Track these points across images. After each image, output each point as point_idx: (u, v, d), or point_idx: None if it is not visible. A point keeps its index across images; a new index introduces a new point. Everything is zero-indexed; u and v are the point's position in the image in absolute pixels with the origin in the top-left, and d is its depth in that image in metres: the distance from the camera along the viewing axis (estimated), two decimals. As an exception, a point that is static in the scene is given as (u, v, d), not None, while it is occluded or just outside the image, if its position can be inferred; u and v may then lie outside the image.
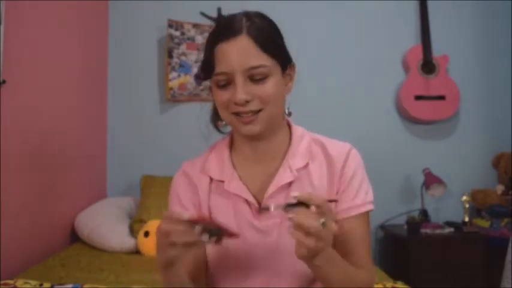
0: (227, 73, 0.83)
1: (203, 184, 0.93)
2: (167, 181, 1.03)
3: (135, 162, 2.70)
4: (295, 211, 0.70)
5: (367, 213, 0.90)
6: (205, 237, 0.73)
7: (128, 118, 2.81)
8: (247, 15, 0.86)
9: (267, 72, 0.83)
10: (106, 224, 2.16)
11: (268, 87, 0.83)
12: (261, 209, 0.85)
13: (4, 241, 1.66)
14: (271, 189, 0.88)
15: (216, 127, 0.97)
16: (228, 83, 0.84)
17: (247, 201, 0.90)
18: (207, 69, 0.87)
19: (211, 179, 0.93)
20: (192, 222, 0.73)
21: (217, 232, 0.76)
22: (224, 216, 0.89)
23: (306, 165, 0.91)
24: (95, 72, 2.66)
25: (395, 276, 1.83)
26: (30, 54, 1.89)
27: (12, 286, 1.47)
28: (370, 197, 0.91)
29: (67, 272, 1.76)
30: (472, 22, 2.93)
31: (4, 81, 1.65)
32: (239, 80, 0.82)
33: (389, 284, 1.63)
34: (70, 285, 1.53)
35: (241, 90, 0.82)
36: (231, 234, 0.78)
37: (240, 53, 0.82)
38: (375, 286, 1.62)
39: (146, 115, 2.79)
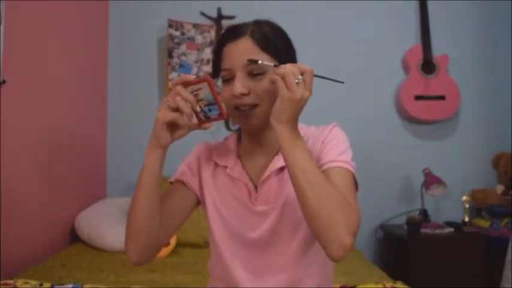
0: (229, 69, 0.91)
1: (209, 167, 1.03)
2: (167, 181, 1.05)
3: (135, 162, 2.67)
4: (283, 65, 0.84)
5: (343, 170, 0.89)
6: (201, 103, 0.86)
7: (127, 118, 2.81)
8: (256, 22, 0.95)
9: (264, 69, 0.89)
10: (106, 224, 2.16)
11: (265, 83, 0.89)
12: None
13: (4, 241, 1.66)
14: (266, 173, 0.96)
15: (226, 124, 1.06)
16: (231, 78, 0.91)
17: (246, 186, 0.97)
18: (215, 66, 0.96)
19: (216, 165, 1.02)
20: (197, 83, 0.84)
21: (210, 102, 0.85)
22: (223, 197, 0.99)
23: None
24: (95, 72, 2.67)
25: (395, 276, 1.83)
26: (30, 54, 1.89)
27: (12, 286, 1.47)
28: (345, 158, 0.91)
29: (67, 272, 1.76)
30: (472, 22, 2.94)
31: (4, 81, 1.66)
32: (238, 74, 0.90)
33: (389, 284, 1.63)
34: (70, 285, 1.53)
35: (239, 84, 0.89)
36: (222, 112, 0.87)
37: (241, 51, 0.90)
38: (375, 286, 1.63)
39: (146, 115, 2.77)
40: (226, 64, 0.92)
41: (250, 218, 0.96)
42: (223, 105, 0.87)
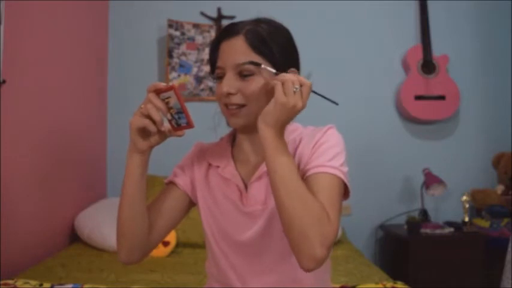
0: (221, 67, 0.92)
1: (202, 167, 1.03)
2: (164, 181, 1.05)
3: (135, 162, 2.69)
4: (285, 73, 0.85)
5: (330, 176, 0.87)
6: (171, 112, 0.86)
7: (128, 118, 2.77)
8: (255, 20, 0.94)
9: (254, 71, 0.89)
10: (106, 224, 2.16)
11: (252, 84, 0.89)
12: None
13: (4, 241, 1.66)
14: (257, 174, 0.95)
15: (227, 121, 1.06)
16: (223, 76, 0.92)
17: (238, 188, 0.97)
18: (212, 63, 0.97)
19: (209, 165, 1.02)
20: (166, 91, 0.84)
21: (179, 110, 0.85)
22: (215, 198, 1.00)
23: (293, 154, 0.95)
24: (94, 72, 2.66)
25: (395, 276, 1.83)
26: (30, 54, 1.89)
27: (12, 286, 1.47)
28: (334, 163, 0.88)
29: (67, 272, 1.76)
30: (472, 22, 2.94)
31: (4, 81, 1.66)
32: (228, 73, 0.90)
33: (389, 284, 1.63)
34: (70, 285, 1.53)
35: (226, 83, 0.90)
36: (188, 121, 0.86)
37: (233, 50, 0.90)
38: (375, 286, 1.63)
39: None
40: (219, 62, 0.92)
41: (240, 219, 0.96)
42: (190, 114, 0.86)
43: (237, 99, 0.90)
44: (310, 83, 0.84)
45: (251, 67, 0.88)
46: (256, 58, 0.89)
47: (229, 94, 0.90)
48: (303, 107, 0.83)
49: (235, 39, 0.90)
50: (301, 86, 0.83)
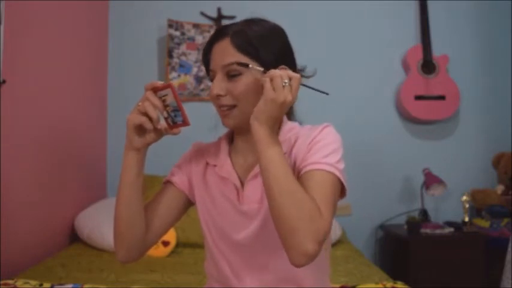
0: (213, 70, 0.94)
1: (200, 166, 1.03)
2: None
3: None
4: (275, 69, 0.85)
5: (325, 173, 0.87)
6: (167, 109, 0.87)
7: (127, 118, 2.80)
8: (247, 21, 0.95)
9: (241, 70, 0.90)
10: (106, 224, 2.16)
11: (240, 84, 0.90)
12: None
13: (4, 241, 1.66)
14: (253, 172, 0.95)
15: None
16: (214, 78, 0.94)
17: (234, 186, 0.97)
18: (205, 66, 0.98)
19: (207, 164, 1.03)
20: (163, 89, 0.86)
21: (176, 108, 0.87)
22: (213, 196, 1.00)
23: (289, 153, 0.95)
24: (95, 72, 2.66)
25: (395, 276, 1.83)
26: (30, 54, 1.89)
27: (12, 286, 1.47)
28: (329, 160, 0.88)
29: (67, 272, 1.76)
30: (472, 22, 2.94)
31: (4, 81, 1.66)
32: (217, 75, 0.92)
33: (389, 284, 1.63)
34: (70, 285, 1.53)
35: (215, 85, 0.91)
36: (184, 119, 0.88)
37: (221, 52, 0.92)
38: (375, 286, 1.62)
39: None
40: (211, 65, 0.94)
41: (237, 218, 0.97)
42: (186, 112, 0.87)
43: (226, 100, 0.91)
44: (299, 76, 0.84)
45: (238, 67, 0.89)
46: (243, 58, 0.89)
47: (219, 96, 0.91)
48: (293, 100, 0.84)
49: (223, 41, 0.92)
50: (290, 79, 0.83)
